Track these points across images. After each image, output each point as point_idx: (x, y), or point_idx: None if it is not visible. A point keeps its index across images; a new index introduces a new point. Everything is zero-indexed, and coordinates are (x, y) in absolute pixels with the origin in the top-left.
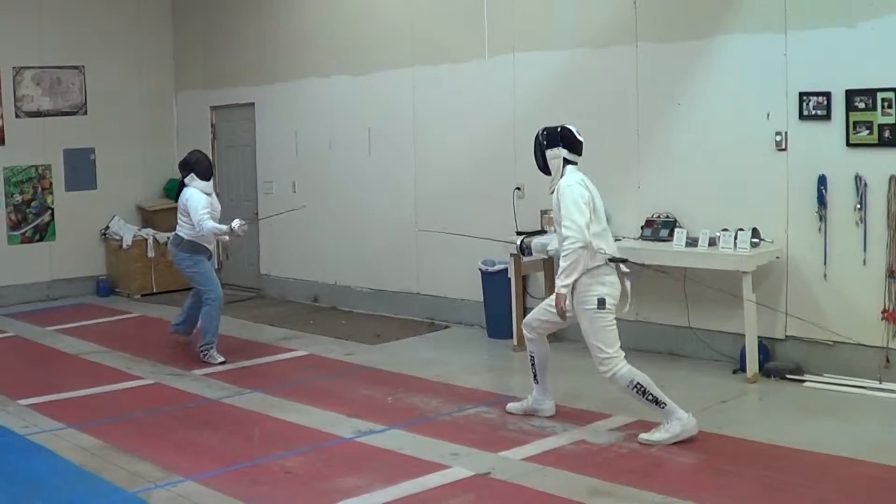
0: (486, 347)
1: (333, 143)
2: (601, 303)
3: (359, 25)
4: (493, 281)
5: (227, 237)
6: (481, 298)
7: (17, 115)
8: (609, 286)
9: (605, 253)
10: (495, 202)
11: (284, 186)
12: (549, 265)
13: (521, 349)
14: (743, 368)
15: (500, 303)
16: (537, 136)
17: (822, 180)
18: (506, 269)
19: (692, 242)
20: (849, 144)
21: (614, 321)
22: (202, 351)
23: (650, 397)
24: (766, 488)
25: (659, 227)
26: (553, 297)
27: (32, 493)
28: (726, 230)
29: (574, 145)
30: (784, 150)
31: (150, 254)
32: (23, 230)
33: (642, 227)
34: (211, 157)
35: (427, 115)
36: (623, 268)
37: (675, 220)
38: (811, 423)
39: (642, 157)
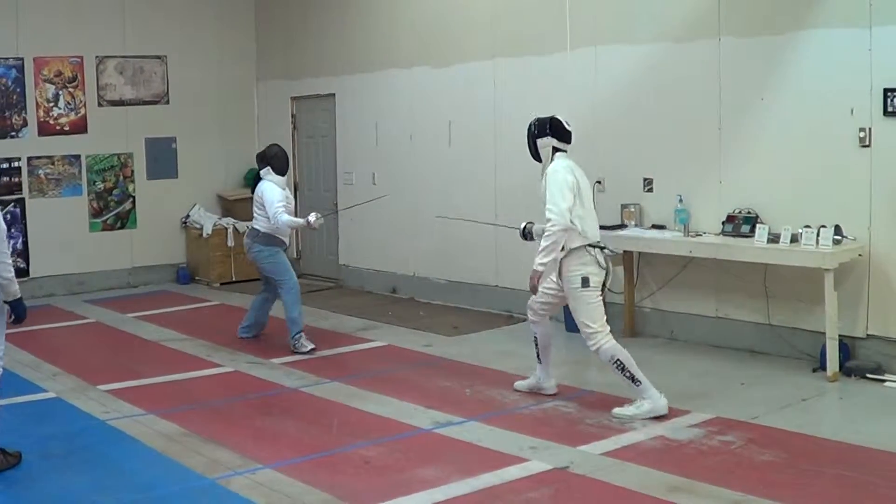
0: (563, 341)
1: (414, 134)
2: (585, 281)
3: (441, 17)
4: None
5: (302, 230)
6: None
7: (99, 104)
8: (592, 265)
9: (587, 237)
10: None
11: (364, 177)
12: (630, 259)
13: None
14: (823, 367)
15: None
16: (529, 126)
17: None
18: None
19: (774, 239)
20: None
21: (599, 298)
22: (294, 341)
23: (628, 374)
24: (846, 488)
25: (740, 223)
26: (550, 279)
27: (112, 478)
28: (808, 227)
29: (562, 134)
30: (868, 146)
31: (230, 243)
32: (104, 217)
33: (723, 223)
34: (291, 148)
35: (508, 107)
36: (599, 255)
37: (757, 216)
38: (892, 424)
39: (724, 152)
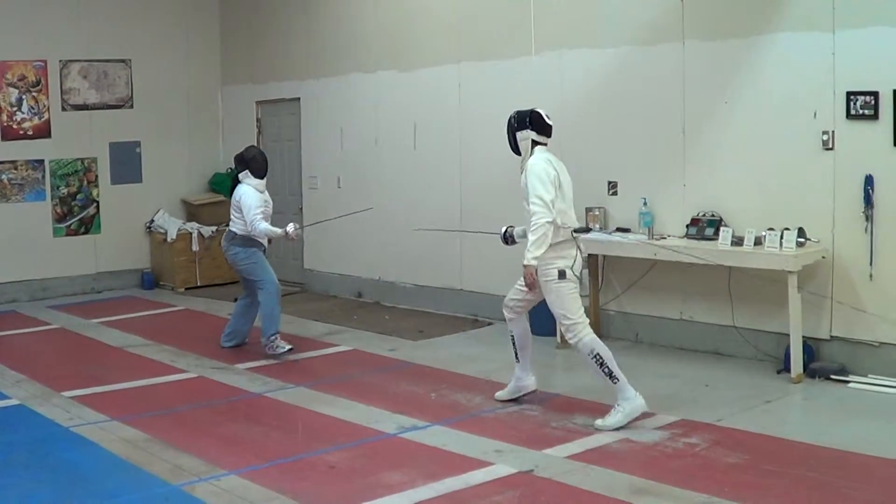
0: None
1: (379, 138)
2: (561, 274)
3: (405, 21)
4: None
5: (280, 240)
6: None
7: (63, 108)
8: (568, 258)
9: (569, 227)
10: None
11: (329, 181)
12: (594, 262)
13: (564, 347)
14: (787, 368)
15: (543, 300)
16: (509, 120)
17: (868, 180)
18: None
19: (737, 241)
20: None
21: (576, 289)
22: (268, 341)
23: (606, 370)
24: (810, 489)
25: (704, 226)
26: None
27: (76, 485)
28: (772, 229)
29: (542, 128)
30: (831, 149)
31: (195, 247)
32: (68, 223)
33: (687, 226)
34: None
35: (473, 111)
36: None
37: (721, 219)
38: (856, 425)
39: (688, 155)
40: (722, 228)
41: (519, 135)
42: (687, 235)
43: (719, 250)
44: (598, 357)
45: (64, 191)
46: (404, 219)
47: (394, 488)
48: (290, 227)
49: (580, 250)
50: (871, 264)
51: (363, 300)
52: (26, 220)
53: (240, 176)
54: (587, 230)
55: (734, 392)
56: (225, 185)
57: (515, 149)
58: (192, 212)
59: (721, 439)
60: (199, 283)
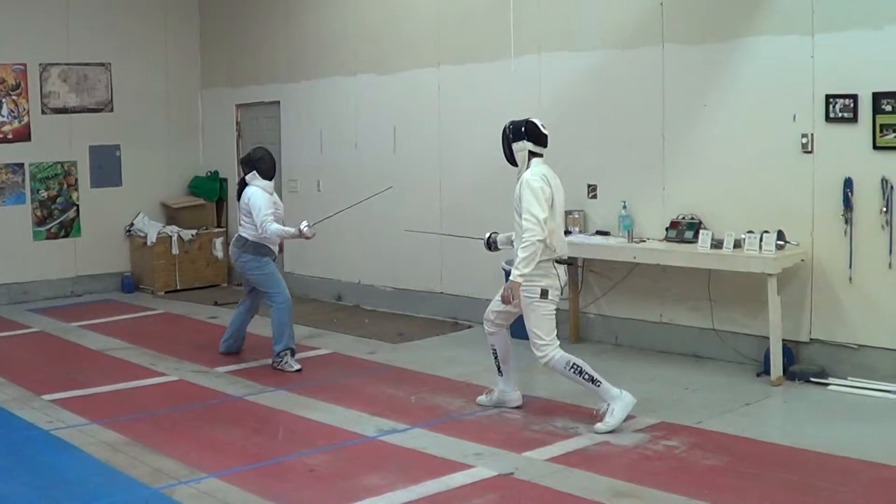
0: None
1: (359, 141)
2: (544, 293)
3: (385, 24)
4: None
5: (293, 240)
6: None
7: (43, 112)
8: (552, 278)
9: (556, 252)
10: None
11: (309, 185)
12: (573, 271)
13: None
14: (767, 371)
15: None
16: (504, 130)
17: (848, 183)
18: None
19: (717, 244)
20: (875, 147)
21: (554, 311)
22: (277, 358)
23: (586, 376)
24: (790, 491)
25: (684, 229)
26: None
27: (56, 488)
28: (751, 232)
29: (538, 138)
30: (810, 152)
31: (175, 251)
32: (48, 226)
33: (667, 229)
34: (235, 156)
35: (452, 114)
36: (562, 272)
37: (700, 222)
38: (835, 427)
39: (667, 158)
40: (701, 231)
41: (515, 146)
42: (667, 238)
43: (699, 253)
44: (574, 367)
45: (44, 194)
46: (384, 222)
47: (373, 491)
48: (304, 225)
49: (560, 279)
50: (850, 267)
51: (343, 303)
52: (6, 223)
53: (247, 178)
54: (570, 262)
55: (714, 395)
56: (204, 188)
57: (511, 160)
58: (171, 215)
59: (701, 442)
60: (178, 287)
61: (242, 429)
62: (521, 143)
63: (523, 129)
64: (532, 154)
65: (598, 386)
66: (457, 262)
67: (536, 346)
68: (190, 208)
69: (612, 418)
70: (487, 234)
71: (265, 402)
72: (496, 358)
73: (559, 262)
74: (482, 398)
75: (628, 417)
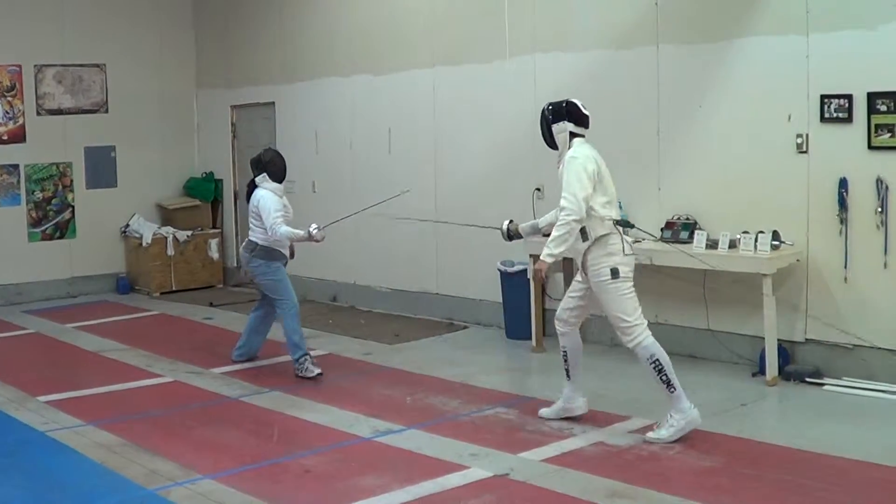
0: (504, 348)
1: (354, 142)
2: (614, 272)
3: (380, 25)
4: (512, 281)
5: (303, 242)
6: (500, 299)
7: (38, 113)
8: (618, 255)
9: (612, 218)
10: (515, 202)
11: (305, 186)
12: (569, 265)
13: (539, 350)
14: (762, 371)
15: (518, 303)
16: (543, 112)
17: (843, 183)
18: (525, 270)
19: (712, 244)
20: (870, 147)
21: (632, 289)
22: (297, 365)
23: (664, 378)
24: (785, 492)
25: (679, 229)
26: (575, 280)
27: (52, 490)
28: (747, 232)
29: (580, 119)
30: (805, 152)
31: (170, 252)
32: (43, 227)
33: (662, 229)
34: (231, 157)
35: (447, 115)
36: (627, 238)
37: (696, 222)
38: (830, 427)
39: (663, 158)
40: (697, 231)
41: (555, 127)
42: (662, 238)
43: (694, 253)
44: (657, 363)
45: (39, 195)
46: (380, 222)
47: (369, 492)
48: (313, 228)
49: (625, 249)
50: (845, 267)
51: (338, 304)
52: (1, 224)
53: (256, 180)
54: (629, 225)
55: (709, 395)
56: (199, 189)
57: (551, 143)
58: (167, 216)
59: (696, 442)
60: (174, 288)
61: (238, 430)
62: (561, 125)
63: (564, 110)
64: (573, 135)
65: (672, 392)
66: (452, 263)
67: (622, 331)
68: (185, 209)
69: (668, 431)
70: (505, 224)
71: (261, 404)
72: (566, 360)
73: (618, 223)
74: (545, 411)
75: (624, 418)
